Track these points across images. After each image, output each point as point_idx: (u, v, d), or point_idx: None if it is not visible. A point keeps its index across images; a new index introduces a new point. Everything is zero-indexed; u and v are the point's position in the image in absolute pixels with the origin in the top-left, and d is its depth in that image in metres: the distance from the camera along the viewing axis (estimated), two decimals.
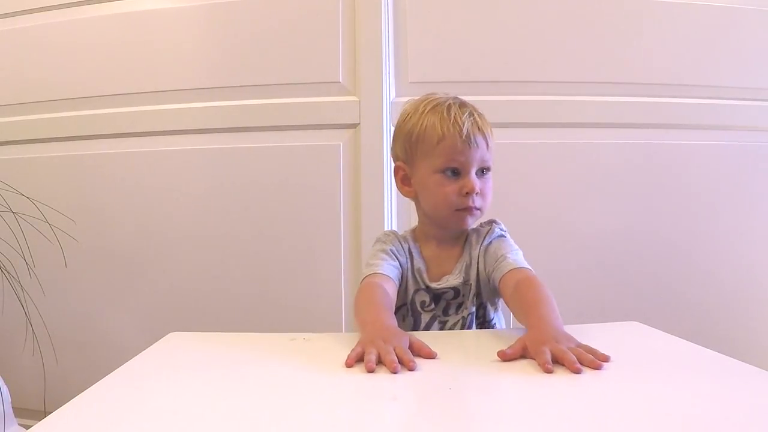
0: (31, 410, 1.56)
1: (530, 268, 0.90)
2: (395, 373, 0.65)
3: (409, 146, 0.94)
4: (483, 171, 0.93)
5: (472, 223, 0.94)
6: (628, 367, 0.69)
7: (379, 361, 0.67)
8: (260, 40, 1.55)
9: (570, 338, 0.70)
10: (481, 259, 0.95)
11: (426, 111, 0.92)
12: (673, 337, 0.83)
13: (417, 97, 0.98)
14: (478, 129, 0.90)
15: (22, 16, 1.66)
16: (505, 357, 0.69)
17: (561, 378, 0.63)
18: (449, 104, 0.92)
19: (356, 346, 0.71)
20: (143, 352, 0.77)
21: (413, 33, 1.52)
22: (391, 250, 0.96)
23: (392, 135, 1.00)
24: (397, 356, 0.67)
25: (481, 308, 0.96)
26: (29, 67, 1.65)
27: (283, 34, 1.54)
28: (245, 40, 1.56)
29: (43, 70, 1.64)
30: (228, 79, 1.56)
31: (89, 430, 0.51)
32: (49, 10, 1.64)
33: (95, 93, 1.62)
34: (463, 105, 0.93)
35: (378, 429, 0.53)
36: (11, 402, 1.45)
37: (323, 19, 1.53)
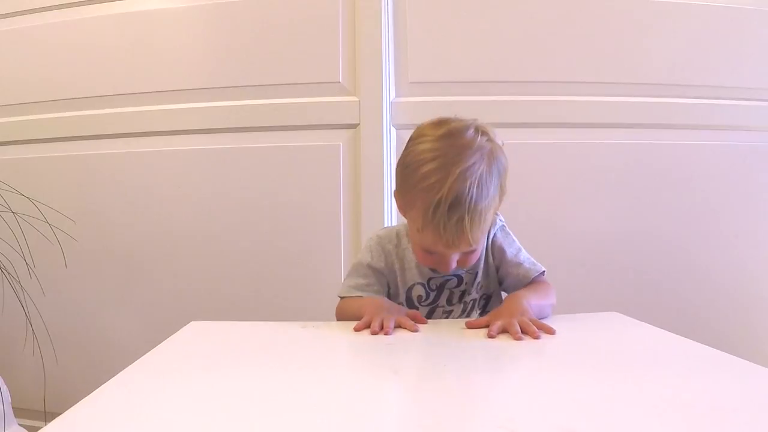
0: (31, 410, 1.56)
1: (541, 267, 0.99)
2: (387, 335, 0.81)
3: (403, 196, 0.90)
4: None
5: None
6: (605, 355, 0.73)
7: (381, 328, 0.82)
8: (260, 40, 1.55)
9: (526, 313, 0.83)
10: (488, 251, 0.99)
11: (424, 181, 0.83)
12: (653, 327, 0.86)
13: (440, 125, 0.88)
14: (462, 234, 0.82)
15: (22, 16, 1.66)
16: (470, 326, 0.85)
17: (538, 367, 0.72)
18: (443, 195, 0.80)
19: (365, 316, 0.86)
20: (165, 341, 0.81)
21: (413, 33, 1.52)
22: (369, 265, 0.99)
23: (397, 162, 0.93)
24: (400, 322, 0.84)
25: (483, 299, 1.01)
26: (29, 67, 1.65)
27: (283, 34, 1.54)
28: (245, 40, 1.55)
29: (43, 70, 1.64)
30: (228, 79, 1.56)
31: (116, 420, 0.52)
32: (49, 10, 1.64)
33: (95, 93, 1.62)
34: (459, 197, 0.80)
35: (383, 398, 0.60)
36: (11, 402, 1.44)
37: (323, 19, 1.53)
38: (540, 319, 0.86)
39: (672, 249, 1.52)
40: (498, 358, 0.75)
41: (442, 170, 0.82)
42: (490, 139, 0.87)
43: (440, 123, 0.88)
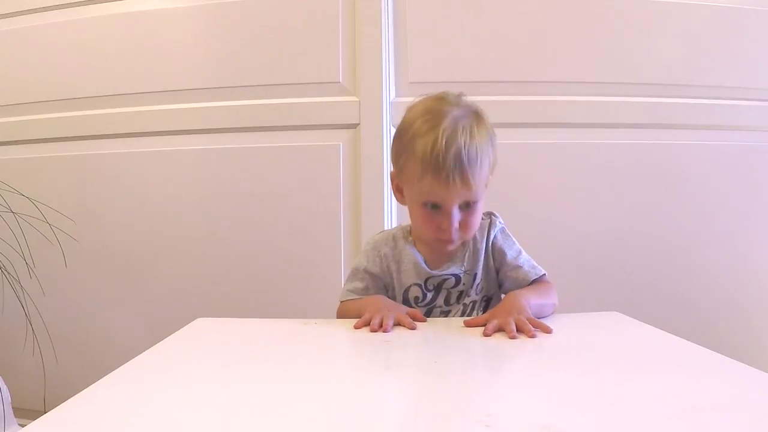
0: (31, 410, 1.56)
1: (541, 270, 0.98)
2: (385, 332, 0.82)
3: (400, 165, 0.94)
4: (468, 204, 0.91)
5: (454, 248, 0.96)
6: (603, 354, 0.73)
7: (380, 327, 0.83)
8: (260, 40, 1.55)
9: (523, 311, 0.82)
10: (489, 253, 0.99)
11: (417, 133, 0.88)
12: (653, 327, 0.86)
13: (425, 97, 0.95)
14: (461, 171, 0.86)
15: (22, 16, 1.66)
16: (468, 324, 0.85)
17: (532, 365, 0.72)
18: (438, 135, 0.86)
19: (365, 314, 0.86)
20: (168, 338, 0.82)
21: (413, 33, 1.52)
22: (366, 269, 1.01)
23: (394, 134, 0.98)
24: (399, 320, 0.85)
25: (484, 300, 1.00)
26: (29, 67, 1.66)
27: (283, 34, 1.54)
28: (245, 40, 1.56)
29: (43, 70, 1.64)
30: (228, 79, 1.56)
31: (108, 417, 0.53)
32: (49, 10, 1.64)
33: (95, 93, 1.62)
34: (453, 134, 0.86)
35: (371, 394, 0.61)
36: (11, 402, 1.45)
37: (323, 20, 1.53)
38: (540, 318, 0.86)
39: (672, 249, 1.52)
40: (493, 356, 0.75)
41: (434, 121, 0.88)
42: (477, 106, 0.94)
43: (428, 95, 0.95)
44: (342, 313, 1.00)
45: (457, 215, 0.90)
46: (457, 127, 0.87)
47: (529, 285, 0.96)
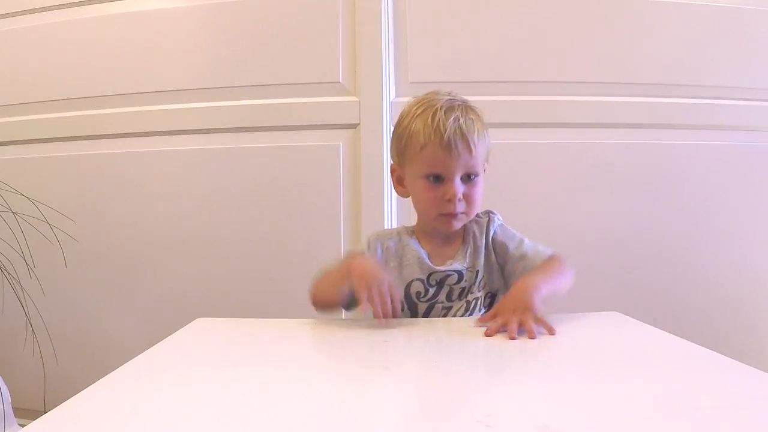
0: (31, 410, 1.56)
1: (547, 251, 0.97)
2: (395, 315, 0.83)
3: (400, 150, 0.98)
4: (470, 176, 0.94)
5: (458, 226, 0.97)
6: (603, 355, 0.73)
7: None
8: (260, 40, 1.55)
9: (527, 310, 0.80)
10: (490, 249, 0.99)
11: (415, 115, 0.94)
12: (653, 327, 0.86)
13: (419, 95, 0.99)
14: (461, 135, 0.91)
15: (22, 16, 1.66)
16: (482, 321, 0.83)
17: (532, 366, 0.72)
18: (436, 109, 0.92)
19: (358, 291, 0.83)
20: (167, 338, 0.82)
21: (413, 33, 1.52)
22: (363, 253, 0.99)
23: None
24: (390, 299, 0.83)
25: (489, 297, 1.00)
26: (29, 67, 1.66)
27: (283, 34, 1.54)
28: (245, 40, 1.56)
29: (43, 70, 1.64)
30: (228, 79, 1.56)
31: (107, 416, 0.53)
32: (49, 10, 1.64)
33: (95, 93, 1.62)
34: (450, 109, 0.93)
35: (372, 394, 0.60)
36: (11, 402, 1.45)
37: (323, 20, 1.53)
38: (556, 295, 0.86)
39: (672, 249, 1.52)
40: (493, 356, 0.75)
41: (430, 103, 0.94)
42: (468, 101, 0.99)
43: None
44: (320, 279, 0.94)
45: (460, 186, 0.92)
46: (453, 105, 0.94)
47: (540, 267, 0.94)
